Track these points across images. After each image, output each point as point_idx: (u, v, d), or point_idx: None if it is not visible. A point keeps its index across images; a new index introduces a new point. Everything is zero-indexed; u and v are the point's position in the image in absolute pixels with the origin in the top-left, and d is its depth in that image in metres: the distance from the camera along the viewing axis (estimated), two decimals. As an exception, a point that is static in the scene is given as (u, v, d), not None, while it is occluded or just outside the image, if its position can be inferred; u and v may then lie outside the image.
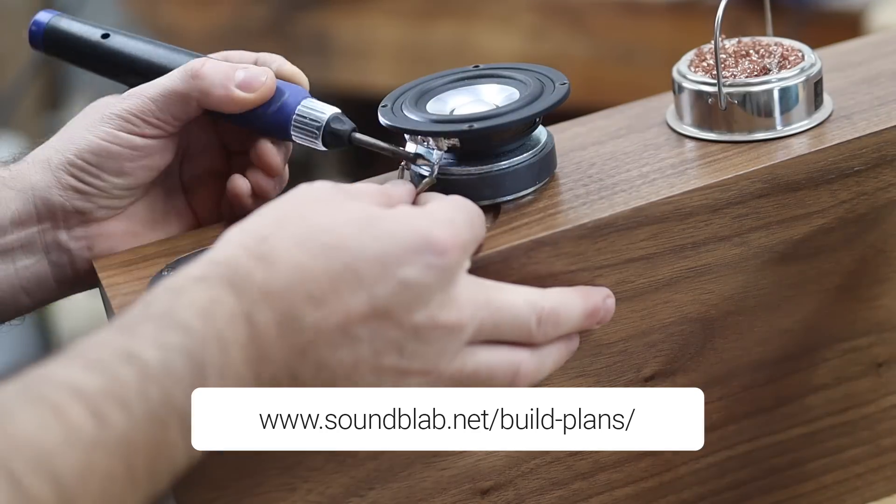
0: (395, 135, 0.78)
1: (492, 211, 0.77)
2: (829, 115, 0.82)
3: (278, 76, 0.81)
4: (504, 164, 0.77)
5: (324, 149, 0.80)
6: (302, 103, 0.80)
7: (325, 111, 0.79)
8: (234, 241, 0.66)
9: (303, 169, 2.39)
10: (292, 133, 0.80)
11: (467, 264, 0.69)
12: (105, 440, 0.58)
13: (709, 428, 0.82)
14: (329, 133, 0.79)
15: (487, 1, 2.02)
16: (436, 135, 0.76)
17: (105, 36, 0.85)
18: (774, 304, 0.81)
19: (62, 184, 0.79)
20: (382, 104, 0.80)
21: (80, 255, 0.81)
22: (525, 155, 0.78)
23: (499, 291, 0.70)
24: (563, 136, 0.84)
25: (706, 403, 0.81)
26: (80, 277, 0.82)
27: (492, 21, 2.01)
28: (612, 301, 0.75)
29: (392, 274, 0.65)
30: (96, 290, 0.81)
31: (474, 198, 0.72)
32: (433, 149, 0.76)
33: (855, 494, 0.87)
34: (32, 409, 0.57)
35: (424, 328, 0.66)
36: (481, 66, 0.82)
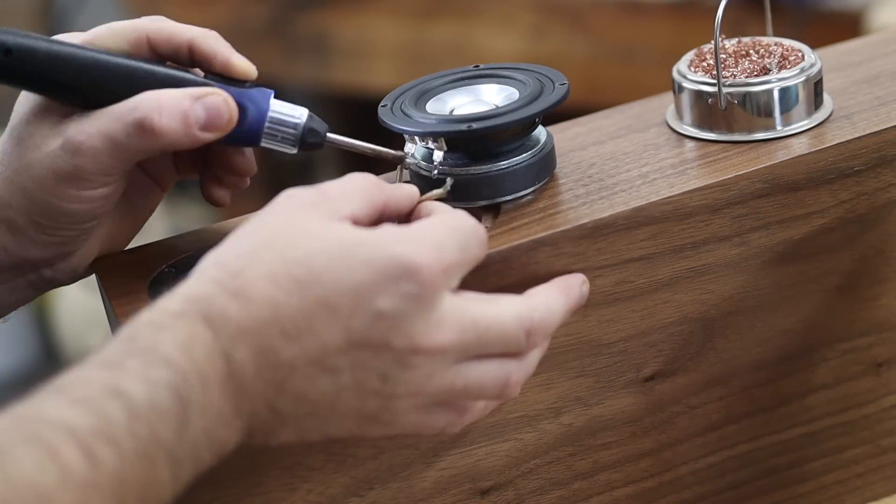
0: (393, 135, 0.78)
1: (492, 211, 0.77)
2: (829, 115, 0.82)
3: (225, 73, 0.75)
4: (503, 164, 0.77)
5: (294, 151, 0.76)
6: (269, 114, 0.75)
7: (296, 116, 0.75)
8: (209, 275, 0.65)
9: (302, 168, 2.39)
10: (263, 143, 0.76)
11: (454, 284, 0.67)
12: (97, 480, 0.58)
13: (709, 428, 0.82)
14: (305, 142, 0.76)
15: (487, 1, 2.02)
16: (435, 135, 0.76)
17: (7, 52, 0.72)
18: (774, 304, 0.81)
19: (37, 242, 0.77)
20: (382, 104, 0.80)
21: (65, 274, 0.80)
22: (525, 155, 0.77)
23: (484, 310, 0.67)
24: (563, 136, 0.84)
25: (706, 403, 0.81)
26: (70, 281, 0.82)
27: (492, 21, 2.01)
28: (587, 287, 0.74)
29: (366, 305, 0.64)
30: (96, 291, 0.81)
31: (474, 198, 0.72)
32: (433, 149, 0.76)
33: (855, 494, 0.87)
34: (29, 450, 0.57)
35: (406, 355, 0.65)
36: (481, 66, 0.82)
